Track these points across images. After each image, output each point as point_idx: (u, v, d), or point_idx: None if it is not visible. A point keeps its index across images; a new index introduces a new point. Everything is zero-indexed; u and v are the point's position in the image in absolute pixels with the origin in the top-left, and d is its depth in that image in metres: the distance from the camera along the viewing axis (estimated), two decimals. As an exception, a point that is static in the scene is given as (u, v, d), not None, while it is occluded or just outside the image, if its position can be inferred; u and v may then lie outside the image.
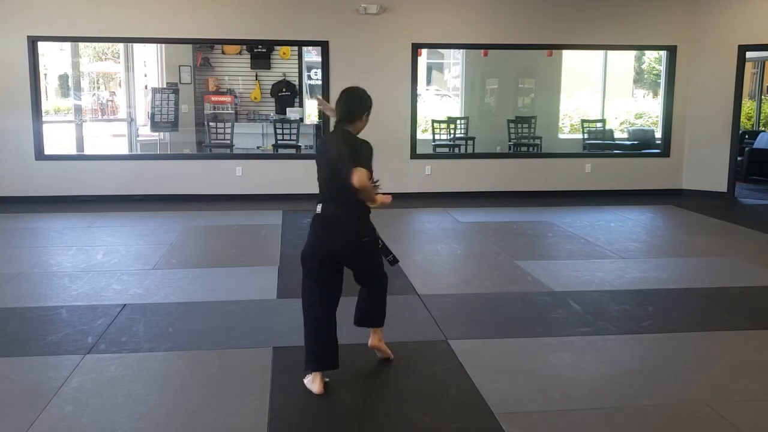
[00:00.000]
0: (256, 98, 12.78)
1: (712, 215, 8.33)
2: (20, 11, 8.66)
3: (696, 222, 8.05)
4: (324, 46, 9.26)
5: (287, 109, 11.98)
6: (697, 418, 3.19)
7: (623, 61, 14.22)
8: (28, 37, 8.70)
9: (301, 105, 12.73)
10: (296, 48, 12.46)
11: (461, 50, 12.59)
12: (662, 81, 10.25)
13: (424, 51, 12.51)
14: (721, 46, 9.47)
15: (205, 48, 12.42)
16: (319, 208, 3.42)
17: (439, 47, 12.64)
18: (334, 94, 3.49)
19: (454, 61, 14.55)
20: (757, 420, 3.19)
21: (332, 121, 3.56)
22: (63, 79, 12.47)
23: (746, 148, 11.29)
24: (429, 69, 15.02)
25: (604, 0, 9.58)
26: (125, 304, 4.77)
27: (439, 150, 11.42)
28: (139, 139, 12.08)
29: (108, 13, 8.80)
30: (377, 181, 3.36)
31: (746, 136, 12.23)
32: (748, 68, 12.91)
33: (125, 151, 11.85)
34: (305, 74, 12.92)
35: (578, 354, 3.95)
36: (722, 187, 9.71)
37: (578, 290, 5.17)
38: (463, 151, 11.56)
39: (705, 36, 9.63)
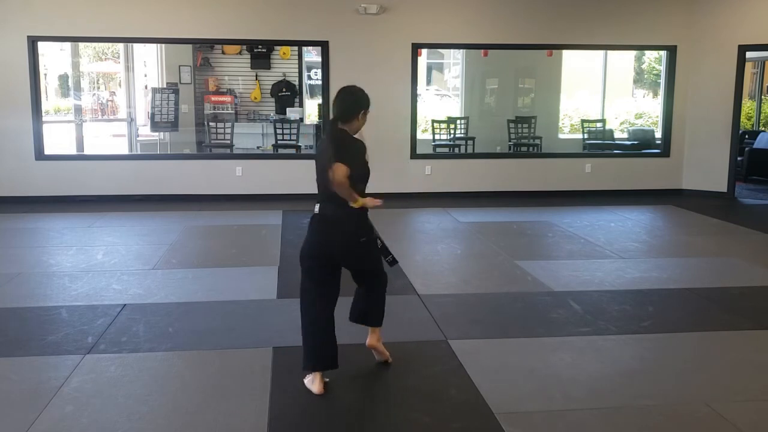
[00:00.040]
0: (256, 98, 12.78)
1: (712, 215, 8.33)
2: (20, 11, 8.66)
3: (696, 222, 8.05)
4: (324, 46, 9.26)
5: (287, 109, 11.99)
6: (697, 418, 3.19)
7: (623, 61, 14.22)
8: (28, 37, 8.71)
9: (301, 105, 12.74)
10: (296, 48, 12.47)
11: (461, 50, 12.59)
12: (662, 81, 10.25)
13: (424, 51, 12.51)
14: (721, 46, 9.47)
15: (205, 48, 12.42)
16: (317, 208, 3.42)
17: (439, 47, 12.64)
18: (334, 95, 3.49)
19: (454, 61, 14.55)
20: (757, 420, 3.19)
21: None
22: (63, 79, 12.47)
23: (746, 148, 11.30)
24: (429, 69, 15.03)
25: (604, 0, 9.58)
26: (125, 304, 4.78)
27: (439, 150, 11.42)
28: (139, 139, 12.08)
29: (108, 13, 8.80)
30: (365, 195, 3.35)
31: (746, 136, 12.23)
32: (748, 68, 12.92)
33: (125, 151, 11.85)
34: (305, 74, 12.92)
35: (578, 354, 3.95)
36: (722, 187, 9.71)
37: (578, 290, 5.17)
38: (463, 151, 11.56)
39: (705, 36, 9.63)
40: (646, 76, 15.74)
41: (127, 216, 8.05)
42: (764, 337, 4.28)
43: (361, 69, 9.01)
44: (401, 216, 8.21)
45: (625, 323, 4.46)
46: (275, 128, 10.91)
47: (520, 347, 4.07)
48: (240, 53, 12.70)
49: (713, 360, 3.90)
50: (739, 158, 10.30)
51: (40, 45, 8.99)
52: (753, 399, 3.40)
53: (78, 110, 11.73)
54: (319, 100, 12.41)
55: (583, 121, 12.74)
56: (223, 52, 12.66)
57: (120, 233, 7.14)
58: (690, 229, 7.69)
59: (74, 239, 6.85)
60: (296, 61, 12.84)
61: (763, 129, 13.85)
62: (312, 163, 3.60)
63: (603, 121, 12.87)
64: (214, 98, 12.41)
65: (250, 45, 12.11)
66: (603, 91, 13.50)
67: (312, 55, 12.69)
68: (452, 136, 11.94)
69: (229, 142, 11.01)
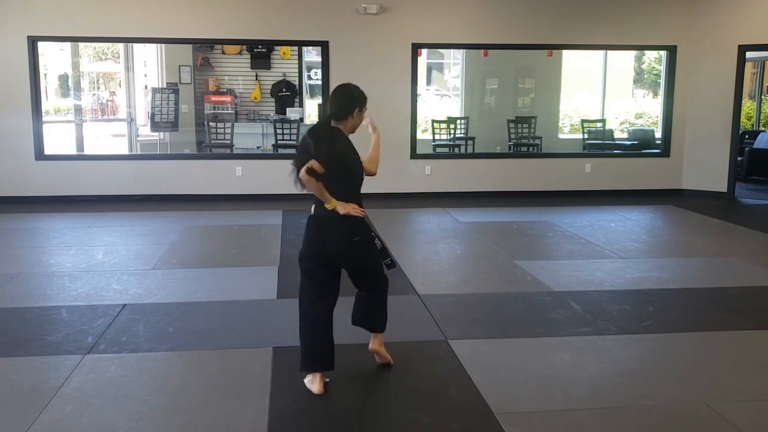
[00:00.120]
0: (256, 98, 12.79)
1: (712, 215, 8.33)
2: (20, 11, 8.66)
3: (696, 222, 8.05)
4: (324, 46, 9.26)
5: (287, 109, 11.99)
6: (697, 418, 3.19)
7: (623, 61, 14.22)
8: (28, 37, 8.71)
9: (301, 105, 12.74)
10: (296, 48, 12.47)
11: (461, 50, 12.59)
12: (662, 81, 10.25)
13: (424, 51, 12.51)
14: (721, 46, 9.47)
15: (205, 48, 12.42)
16: (313, 208, 3.42)
17: (439, 47, 12.64)
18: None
19: (454, 61, 14.55)
20: (757, 420, 3.19)
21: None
22: (63, 79, 12.47)
23: (746, 148, 11.30)
24: (429, 69, 15.03)
25: (604, 0, 9.58)
26: (125, 304, 4.77)
27: (439, 150, 11.42)
28: (139, 139, 12.08)
29: (108, 13, 8.80)
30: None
31: (746, 136, 12.23)
32: (748, 68, 12.92)
33: (125, 151, 11.85)
34: (305, 74, 12.93)
35: (578, 354, 3.95)
36: (722, 187, 9.71)
37: (578, 290, 5.17)
38: (463, 151, 11.56)
39: (705, 36, 9.63)
40: (646, 76, 15.74)
41: (127, 216, 8.05)
42: (764, 337, 4.28)
43: (361, 69, 9.01)
44: (401, 216, 8.21)
45: (625, 323, 4.46)
46: (275, 128, 10.91)
47: (520, 347, 4.07)
48: (240, 53, 12.70)
49: (713, 360, 3.90)
50: (739, 158, 10.30)
51: (40, 45, 8.99)
52: (753, 399, 3.40)
53: (78, 110, 11.73)
54: (319, 100, 12.44)
55: (583, 121, 12.74)
56: (223, 52, 12.66)
57: (120, 233, 7.14)
58: (690, 229, 7.69)
59: (74, 239, 6.85)
60: (296, 61, 12.85)
61: (763, 129, 13.86)
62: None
63: (603, 121, 12.87)
64: (214, 98, 12.41)
65: (250, 45, 12.11)
66: (603, 91, 13.50)
67: (312, 55, 12.69)
68: (452, 136, 11.94)
69: (229, 142, 11.01)
